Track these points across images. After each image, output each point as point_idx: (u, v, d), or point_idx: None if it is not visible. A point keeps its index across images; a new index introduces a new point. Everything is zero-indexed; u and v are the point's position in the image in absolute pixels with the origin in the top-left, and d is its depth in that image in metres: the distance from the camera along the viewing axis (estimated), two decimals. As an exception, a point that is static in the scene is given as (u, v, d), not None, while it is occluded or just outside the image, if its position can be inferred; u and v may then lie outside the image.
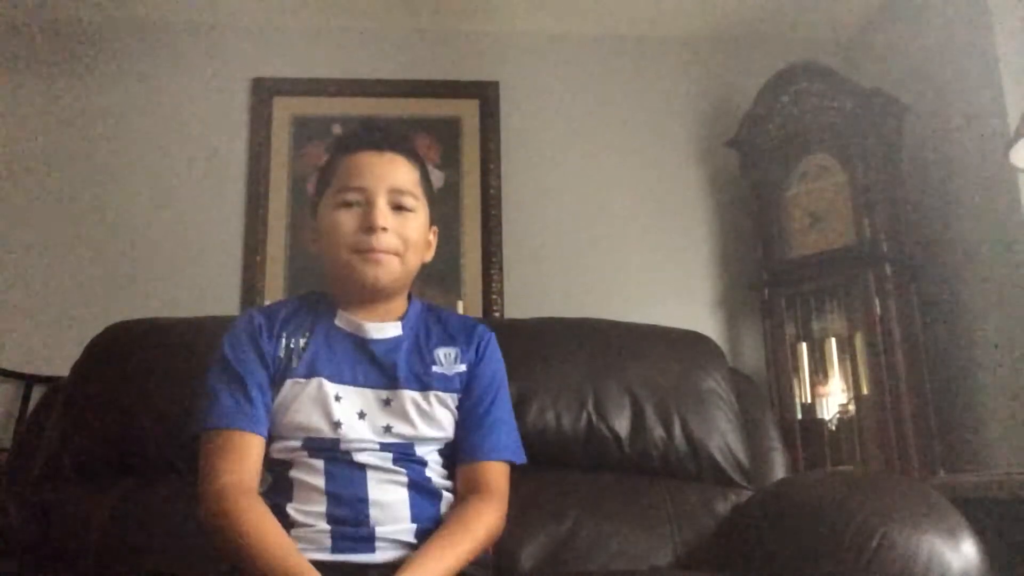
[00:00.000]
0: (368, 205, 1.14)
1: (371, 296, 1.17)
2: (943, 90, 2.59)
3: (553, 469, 1.51)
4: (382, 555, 1.05)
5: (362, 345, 1.16)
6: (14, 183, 2.80)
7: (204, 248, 2.79)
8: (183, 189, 2.83)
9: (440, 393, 1.15)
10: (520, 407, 1.44)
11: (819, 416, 2.52)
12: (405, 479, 1.09)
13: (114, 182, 2.82)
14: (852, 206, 2.50)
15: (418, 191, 1.19)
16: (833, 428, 2.50)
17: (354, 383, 1.13)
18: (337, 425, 1.09)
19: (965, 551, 1.03)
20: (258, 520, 1.01)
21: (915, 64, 2.73)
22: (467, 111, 2.97)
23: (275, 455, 1.11)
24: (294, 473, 1.09)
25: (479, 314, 2.74)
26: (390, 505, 1.07)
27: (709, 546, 1.44)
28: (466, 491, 1.13)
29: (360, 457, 1.09)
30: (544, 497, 1.46)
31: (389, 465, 1.09)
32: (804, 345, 2.58)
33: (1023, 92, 2.30)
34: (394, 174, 1.16)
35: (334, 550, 1.04)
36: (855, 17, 3.00)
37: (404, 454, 1.11)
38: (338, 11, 2.95)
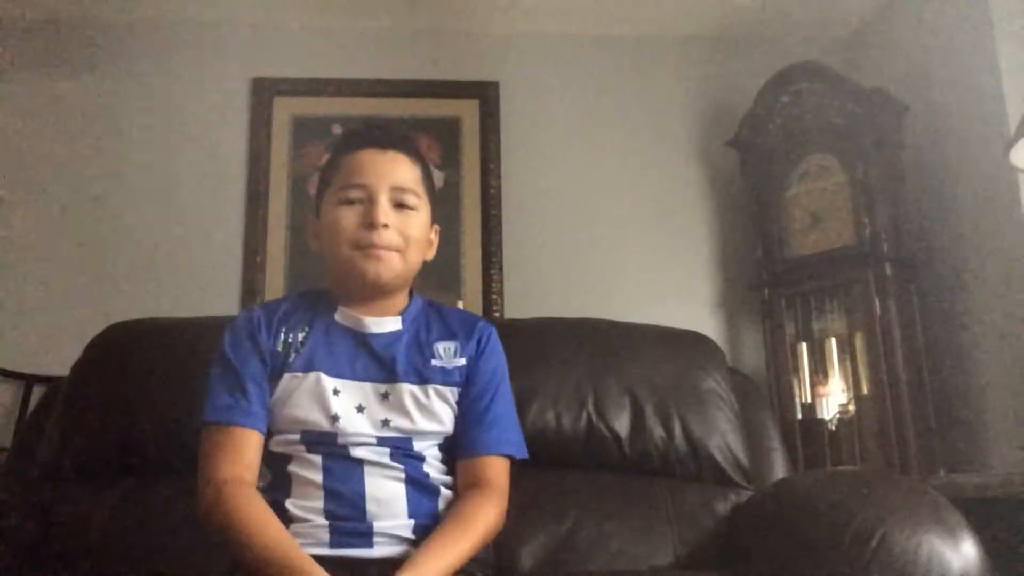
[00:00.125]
0: (370, 202, 1.14)
1: (372, 292, 1.17)
2: (943, 90, 2.59)
3: (553, 469, 1.51)
4: (380, 550, 1.05)
5: (361, 339, 1.16)
6: (14, 183, 2.79)
7: (204, 248, 2.78)
8: (183, 189, 2.83)
9: (439, 387, 1.15)
10: (520, 407, 1.44)
11: (819, 416, 2.52)
12: (402, 474, 1.10)
13: (114, 182, 2.82)
14: (852, 206, 2.50)
15: (420, 189, 1.19)
16: (833, 428, 2.50)
17: (353, 377, 1.13)
18: (335, 419, 1.10)
19: (965, 551, 1.03)
20: (255, 514, 1.02)
21: (915, 64, 2.73)
22: (467, 111, 2.97)
23: (274, 448, 1.12)
24: (292, 468, 1.10)
25: (479, 314, 2.73)
26: (387, 500, 1.08)
27: (709, 546, 1.44)
28: (466, 486, 1.14)
29: (357, 452, 1.09)
30: (544, 497, 1.46)
31: (386, 460, 1.10)
32: (804, 345, 2.58)
33: (1023, 92, 2.30)
34: (396, 172, 1.17)
35: (332, 545, 1.04)
36: (855, 17, 3.00)
37: (402, 449, 1.11)
38: (338, 11, 2.95)
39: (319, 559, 0.97)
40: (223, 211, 2.83)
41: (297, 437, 1.10)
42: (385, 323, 1.18)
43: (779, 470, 1.61)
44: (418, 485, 1.11)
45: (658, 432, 1.53)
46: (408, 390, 1.13)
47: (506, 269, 2.84)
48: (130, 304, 2.59)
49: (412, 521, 1.08)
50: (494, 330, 1.25)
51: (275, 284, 2.77)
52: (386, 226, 1.13)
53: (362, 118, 2.86)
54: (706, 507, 1.49)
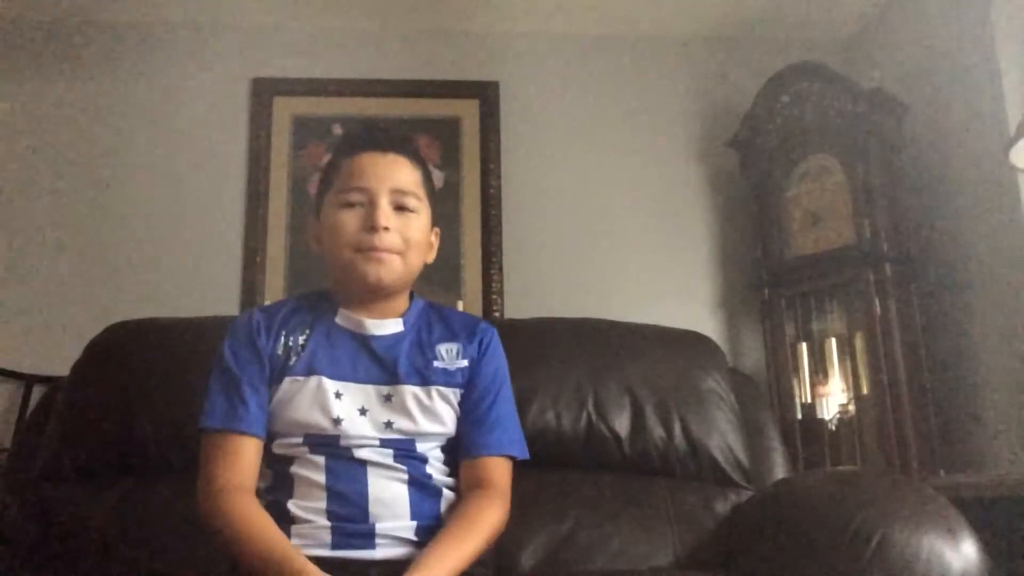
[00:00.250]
0: (371, 205, 1.14)
1: (373, 295, 1.17)
2: (943, 90, 2.59)
3: (553, 469, 1.51)
4: (382, 552, 1.05)
5: (363, 342, 1.16)
6: (14, 183, 2.79)
7: (204, 248, 2.78)
8: (183, 189, 2.83)
9: (442, 388, 1.16)
10: (520, 407, 1.43)
11: (819, 416, 2.52)
12: (406, 476, 1.10)
13: (114, 182, 2.82)
14: (852, 206, 2.50)
15: (420, 192, 1.19)
16: (833, 428, 2.50)
17: (355, 379, 1.13)
18: (337, 422, 1.10)
19: (965, 551, 1.03)
20: (253, 520, 1.02)
21: (915, 64, 2.73)
22: (467, 111, 2.97)
23: (276, 451, 1.12)
24: (295, 469, 1.10)
25: (479, 314, 2.73)
26: (390, 502, 1.08)
27: (709, 546, 1.44)
28: (469, 487, 1.14)
29: (361, 453, 1.09)
30: (544, 497, 1.47)
31: (390, 462, 1.10)
32: (804, 345, 2.58)
33: (1023, 92, 2.30)
34: (397, 175, 1.17)
35: (334, 546, 1.05)
36: (855, 17, 3.00)
37: (405, 450, 1.12)
38: (338, 11, 2.95)
39: (321, 560, 0.98)
40: (223, 211, 2.83)
41: (300, 440, 1.10)
42: (386, 325, 1.18)
43: (779, 470, 1.61)
44: (421, 486, 1.11)
45: (658, 432, 1.53)
46: (411, 392, 1.14)
47: (506, 269, 2.84)
48: (130, 304, 2.59)
49: (414, 523, 1.08)
50: (495, 332, 1.25)
51: (275, 284, 2.77)
52: (387, 229, 1.13)
53: (362, 118, 2.86)
54: (706, 507, 1.49)
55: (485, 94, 2.99)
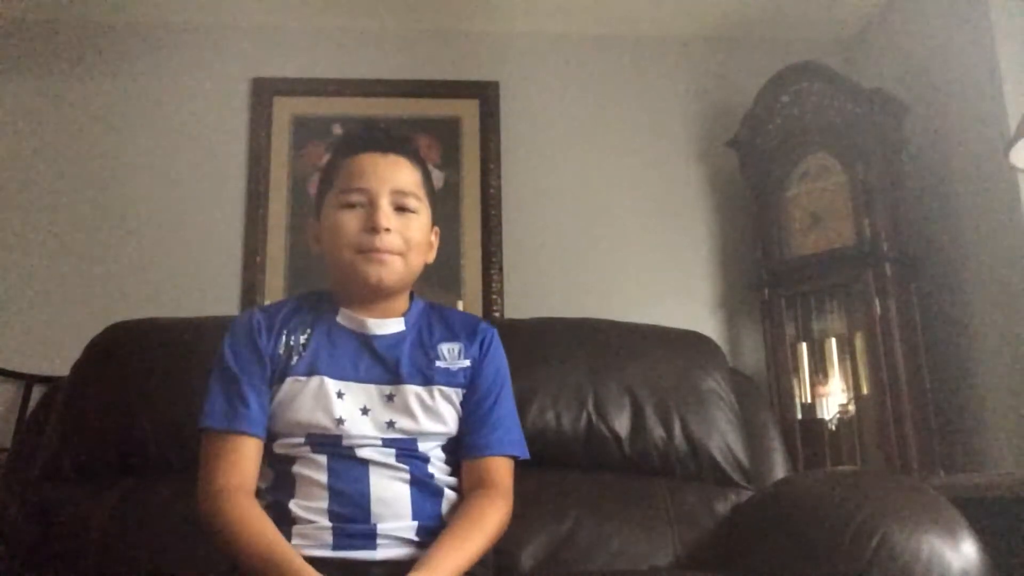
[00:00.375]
0: (371, 206, 1.14)
1: (374, 296, 1.17)
2: (943, 90, 2.59)
3: (553, 469, 1.51)
4: (383, 552, 1.06)
5: (365, 341, 1.16)
6: (14, 183, 2.79)
7: (204, 248, 2.78)
8: (183, 189, 2.83)
9: (444, 387, 1.16)
10: (520, 407, 1.44)
11: (819, 416, 2.52)
12: (407, 476, 1.10)
13: (114, 182, 2.82)
14: (852, 206, 2.50)
15: (420, 192, 1.19)
16: (833, 428, 2.50)
17: (356, 379, 1.13)
18: (340, 421, 1.10)
19: (965, 551, 1.03)
20: (252, 521, 1.03)
21: (915, 64, 2.73)
22: (467, 111, 2.97)
23: (278, 451, 1.12)
24: (297, 468, 1.10)
25: (479, 314, 2.73)
26: (392, 501, 1.08)
27: (709, 546, 1.44)
28: (472, 487, 1.14)
29: (363, 453, 1.09)
30: (544, 497, 1.47)
31: (392, 461, 1.10)
32: (804, 345, 2.58)
33: (1023, 92, 2.30)
34: (397, 175, 1.17)
35: (335, 547, 1.05)
36: (855, 17, 3.00)
37: (407, 450, 1.12)
38: (338, 11, 2.95)
39: (322, 561, 0.98)
40: (223, 211, 2.83)
41: (302, 440, 1.10)
42: (388, 324, 1.18)
43: (779, 470, 1.61)
44: (422, 486, 1.11)
45: (658, 432, 1.53)
46: (413, 391, 1.14)
47: (506, 269, 2.83)
48: (130, 304, 2.60)
49: (416, 523, 1.08)
50: (496, 332, 1.25)
51: (275, 285, 2.77)
52: (388, 230, 1.13)
53: (362, 118, 2.86)
54: (706, 507, 1.49)
55: (485, 94, 2.98)
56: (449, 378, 1.16)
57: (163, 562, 1.35)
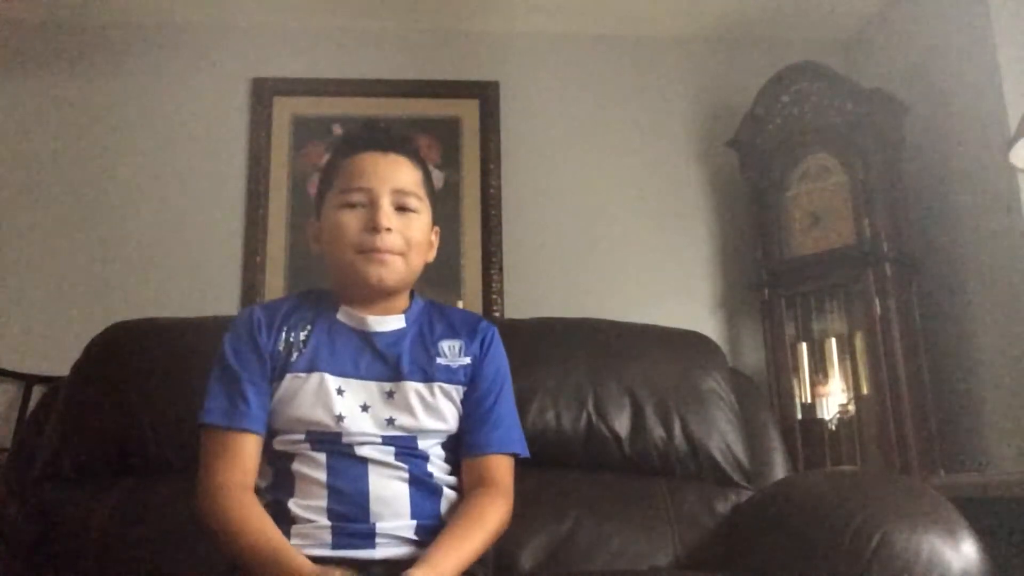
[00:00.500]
0: (372, 206, 1.14)
1: (374, 296, 1.17)
2: (943, 90, 2.59)
3: (553, 469, 1.51)
4: (382, 551, 1.05)
5: (365, 338, 1.16)
6: (14, 183, 2.79)
7: (204, 248, 2.78)
8: (183, 189, 2.83)
9: (444, 385, 1.16)
10: (520, 407, 1.44)
11: (819, 416, 2.52)
12: (406, 474, 1.10)
13: (114, 182, 2.82)
14: (852, 206, 2.50)
15: (421, 192, 1.19)
16: (833, 428, 2.50)
17: (357, 376, 1.13)
18: (340, 418, 1.10)
19: (965, 551, 1.03)
20: (250, 518, 1.03)
21: (915, 64, 2.73)
22: (467, 111, 2.97)
23: (277, 448, 1.12)
24: (296, 466, 1.10)
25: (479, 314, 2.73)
26: (391, 500, 1.08)
27: (709, 546, 1.44)
28: (472, 485, 1.14)
29: (362, 451, 1.09)
30: (544, 497, 1.46)
31: (391, 460, 1.10)
32: (804, 345, 2.58)
33: (1023, 92, 2.30)
34: (397, 175, 1.17)
35: (335, 546, 1.05)
36: (855, 17, 3.00)
37: (406, 448, 1.11)
38: (338, 11, 2.95)
39: (321, 560, 0.98)
40: (223, 211, 2.83)
41: (302, 436, 1.10)
42: (388, 321, 1.18)
43: (779, 470, 1.61)
44: (421, 485, 1.11)
45: (658, 432, 1.53)
46: (413, 388, 1.14)
47: (506, 269, 2.83)
48: (130, 304, 2.59)
49: (415, 522, 1.08)
50: (496, 330, 1.25)
51: (275, 284, 2.77)
52: (388, 230, 1.13)
53: (362, 118, 2.85)
54: (706, 507, 1.49)
55: (485, 94, 2.99)
56: (450, 375, 1.16)
57: (163, 562, 1.35)
